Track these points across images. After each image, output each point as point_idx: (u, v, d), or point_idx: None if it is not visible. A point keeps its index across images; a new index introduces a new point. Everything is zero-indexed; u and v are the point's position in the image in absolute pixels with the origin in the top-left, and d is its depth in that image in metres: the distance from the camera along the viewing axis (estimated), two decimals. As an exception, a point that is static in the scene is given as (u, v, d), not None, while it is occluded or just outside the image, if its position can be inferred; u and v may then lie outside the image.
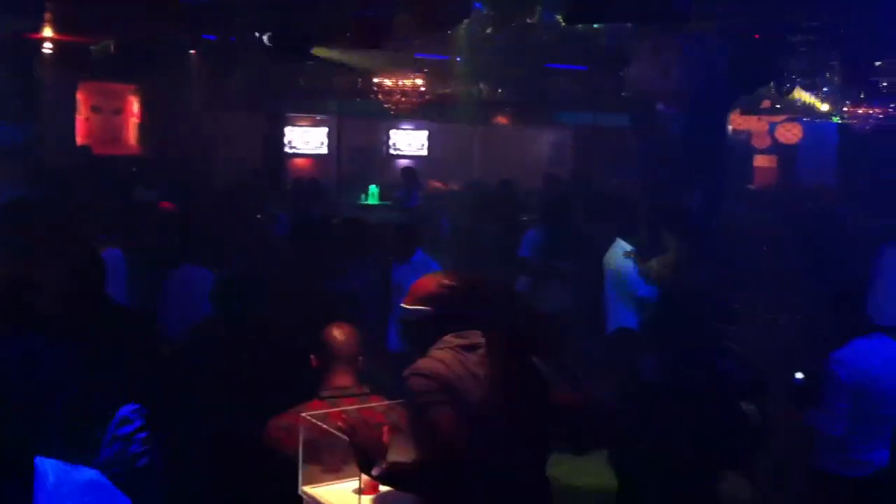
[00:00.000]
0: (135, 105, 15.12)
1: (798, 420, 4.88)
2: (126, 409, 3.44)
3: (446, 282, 3.38)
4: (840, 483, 4.54)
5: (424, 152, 19.47)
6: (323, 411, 3.62)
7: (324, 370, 3.92)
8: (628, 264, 7.55)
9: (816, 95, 15.98)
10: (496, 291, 3.44)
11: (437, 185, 16.44)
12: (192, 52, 12.24)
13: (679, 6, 4.85)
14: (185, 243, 6.51)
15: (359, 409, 3.70)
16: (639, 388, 4.39)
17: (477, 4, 8.19)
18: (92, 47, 11.79)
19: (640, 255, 7.56)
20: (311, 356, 3.97)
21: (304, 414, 3.53)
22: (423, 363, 3.16)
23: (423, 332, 3.30)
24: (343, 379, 3.88)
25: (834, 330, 4.73)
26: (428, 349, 3.23)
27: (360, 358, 3.98)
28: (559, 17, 7.64)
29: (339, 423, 3.36)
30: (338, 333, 3.94)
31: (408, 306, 3.37)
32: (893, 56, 12.12)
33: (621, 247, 7.63)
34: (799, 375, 5.10)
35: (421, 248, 7.14)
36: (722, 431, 4.25)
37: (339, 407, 3.65)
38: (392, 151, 19.36)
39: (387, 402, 3.80)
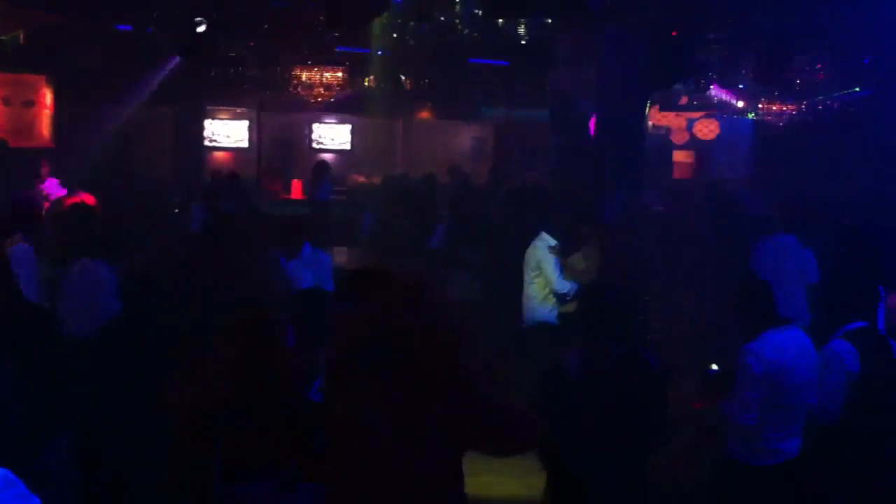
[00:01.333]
0: (48, 97, 14.65)
1: (712, 410, 4.96)
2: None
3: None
4: (751, 472, 4.62)
5: (348, 146, 19.35)
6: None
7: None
8: (550, 258, 7.59)
9: (732, 92, 16.36)
10: (403, 283, 3.38)
11: (360, 178, 16.34)
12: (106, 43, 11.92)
13: (593, 1, 4.88)
14: (92, 238, 6.30)
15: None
16: (562, 384, 4.39)
17: None
18: (2, 37, 11.39)
19: (563, 249, 7.62)
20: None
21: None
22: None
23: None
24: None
25: (746, 321, 4.80)
26: None
27: None
28: (478, 12, 7.65)
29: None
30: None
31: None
32: (806, 54, 12.48)
33: (545, 241, 7.67)
34: (714, 367, 5.18)
35: (309, 242, 7.04)
36: (645, 422, 4.30)
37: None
38: (315, 145, 19.18)
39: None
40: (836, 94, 14.74)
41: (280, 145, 18.32)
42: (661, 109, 18.15)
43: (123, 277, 4.93)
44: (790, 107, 16.79)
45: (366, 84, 14.07)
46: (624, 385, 4.29)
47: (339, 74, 13.36)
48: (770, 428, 4.59)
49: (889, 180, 12.30)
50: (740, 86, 15.75)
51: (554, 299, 7.55)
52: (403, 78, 13.70)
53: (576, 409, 4.23)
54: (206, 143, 17.15)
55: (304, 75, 13.47)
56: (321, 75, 13.37)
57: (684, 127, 19.59)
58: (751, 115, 18.27)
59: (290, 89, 13.98)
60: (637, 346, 4.66)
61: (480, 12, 7.45)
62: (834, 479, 4.65)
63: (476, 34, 9.92)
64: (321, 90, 13.49)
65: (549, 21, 9.06)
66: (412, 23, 9.11)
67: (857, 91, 14.14)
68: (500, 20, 8.93)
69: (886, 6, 9.09)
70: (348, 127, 19.15)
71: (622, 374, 4.33)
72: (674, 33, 9.46)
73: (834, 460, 4.70)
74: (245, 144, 18.28)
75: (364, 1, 6.90)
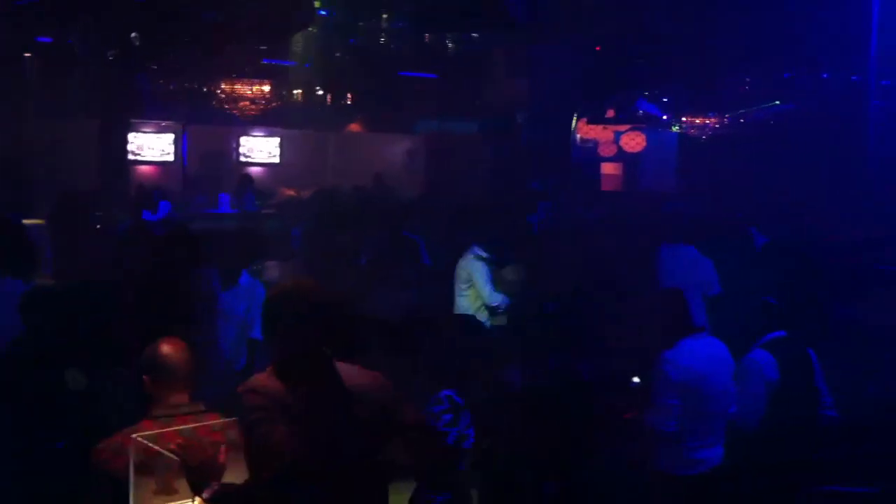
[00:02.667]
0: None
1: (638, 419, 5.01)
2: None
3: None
4: (675, 481, 4.68)
5: (276, 159, 19.15)
6: (154, 431, 3.46)
7: (155, 388, 3.73)
8: (482, 271, 7.59)
9: (658, 105, 16.68)
10: (327, 299, 3.35)
11: (289, 192, 16.18)
12: (26, 54, 11.62)
13: (516, 16, 4.93)
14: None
15: (194, 427, 3.56)
16: (502, 397, 4.40)
17: (322, 11, 8.11)
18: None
19: (495, 262, 7.63)
20: (144, 376, 3.77)
21: (134, 435, 3.37)
22: (255, 378, 3.06)
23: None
24: (176, 397, 3.70)
25: (663, 330, 4.88)
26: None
27: (193, 374, 3.80)
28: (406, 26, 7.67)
29: (172, 444, 3.23)
30: (168, 349, 3.76)
31: None
32: (728, 70, 12.78)
33: (476, 253, 7.67)
34: (636, 380, 5.25)
35: (247, 272, 6.62)
36: (579, 434, 4.33)
37: (172, 426, 3.49)
38: (242, 158, 18.94)
39: (224, 420, 3.66)
40: (757, 108, 15.11)
41: (207, 159, 18.04)
42: (589, 122, 18.42)
43: (24, 295, 4.73)
44: (713, 120, 17.18)
45: (294, 97, 13.98)
46: (561, 398, 4.32)
47: (266, 88, 13.24)
48: (691, 436, 4.67)
49: (809, 190, 12.66)
50: (665, 99, 16.06)
51: (486, 312, 7.56)
52: (331, 90, 13.64)
53: (515, 422, 4.24)
54: (131, 156, 16.80)
55: (231, 88, 13.32)
56: (248, 88, 13.24)
57: (612, 139, 19.90)
58: (675, 128, 18.65)
59: (217, 102, 13.81)
60: (574, 357, 4.69)
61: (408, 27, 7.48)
62: (755, 486, 4.73)
63: (404, 47, 9.94)
64: (248, 103, 13.35)
65: (477, 35, 9.13)
66: (340, 35, 9.07)
67: (777, 104, 14.54)
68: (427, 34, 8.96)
69: (805, 24, 9.36)
70: (277, 140, 18.97)
71: (560, 387, 4.36)
72: (599, 48, 9.61)
73: (755, 468, 4.78)
74: (171, 158, 17.95)
75: (289, 14, 6.84)
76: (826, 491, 4.49)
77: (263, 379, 3.09)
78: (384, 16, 8.35)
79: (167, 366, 3.73)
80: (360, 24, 8.55)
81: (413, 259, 8.15)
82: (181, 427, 3.52)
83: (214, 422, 3.66)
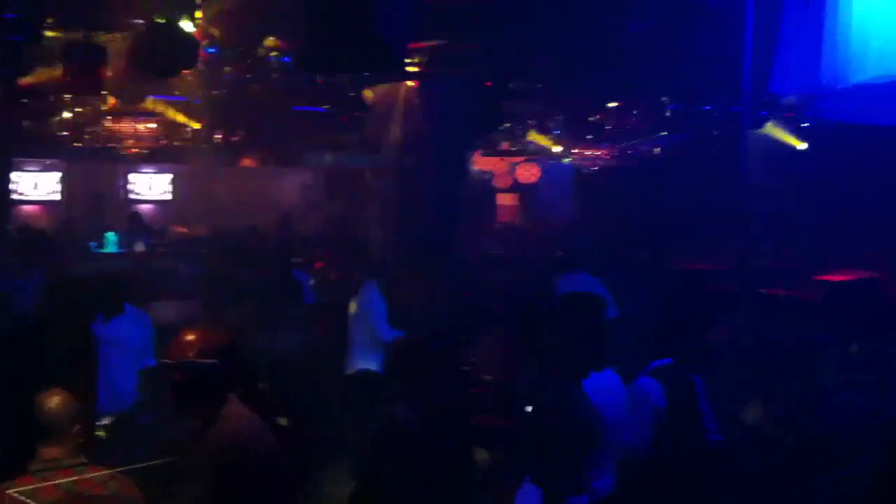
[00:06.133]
0: None
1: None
2: None
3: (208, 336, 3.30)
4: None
5: (169, 196, 18.76)
6: (32, 486, 3.33)
7: (34, 442, 3.59)
8: (375, 306, 7.60)
9: (549, 137, 17.03)
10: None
11: (182, 229, 15.86)
12: None
13: (395, 57, 4.98)
14: None
15: (74, 481, 3.43)
16: (394, 436, 4.33)
17: (211, 49, 8.04)
18: None
19: (389, 297, 7.65)
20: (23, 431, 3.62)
21: (9, 491, 3.24)
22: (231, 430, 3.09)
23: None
24: (54, 451, 3.56)
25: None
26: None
27: (76, 427, 3.67)
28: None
29: (51, 498, 3.13)
30: (48, 401, 3.63)
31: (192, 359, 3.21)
32: (617, 100, 13.15)
33: (370, 289, 7.68)
34: (529, 409, 5.27)
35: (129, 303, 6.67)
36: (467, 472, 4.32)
37: (51, 481, 3.37)
38: (132, 196, 18.49)
39: (107, 472, 3.55)
40: (644, 139, 15.58)
41: (95, 197, 17.53)
42: (484, 154, 18.67)
43: None
44: (603, 151, 17.63)
45: (185, 132, 13.75)
46: (454, 435, 4.30)
47: (153, 125, 12.97)
48: (594, 469, 4.68)
49: (696, 215, 13.10)
50: (556, 131, 16.41)
51: (379, 347, 7.55)
52: (223, 126, 13.46)
53: (407, 461, 4.19)
54: (14, 196, 16.21)
55: (117, 126, 13.00)
56: (135, 125, 12.94)
57: (507, 171, 20.20)
58: (567, 160, 19.07)
59: (101, 141, 13.43)
60: (466, 393, 4.69)
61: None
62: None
63: (296, 82, 9.91)
64: (133, 140, 13.04)
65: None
66: (227, 70, 8.99)
67: (663, 135, 15.01)
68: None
69: (683, 60, 9.70)
70: (168, 176, 18.60)
71: (453, 425, 4.34)
72: (489, 84, 9.77)
73: (645, 495, 4.85)
74: (57, 197, 17.40)
75: (173, 52, 6.75)
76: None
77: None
78: (273, 53, 8.33)
79: (43, 417, 3.60)
80: (249, 60, 8.50)
81: (297, 298, 8.10)
82: (60, 481, 3.41)
83: (97, 474, 3.55)
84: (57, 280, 7.11)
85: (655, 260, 9.01)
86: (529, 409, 5.11)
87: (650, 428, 4.84)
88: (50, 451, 3.56)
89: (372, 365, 7.48)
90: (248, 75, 9.37)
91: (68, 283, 6.92)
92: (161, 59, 6.75)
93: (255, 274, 8.46)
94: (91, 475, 3.51)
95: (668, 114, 13.25)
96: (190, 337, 3.26)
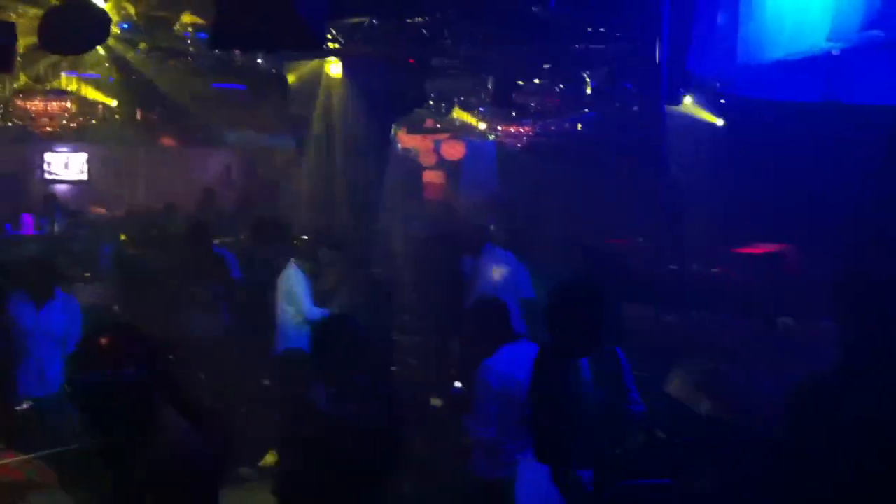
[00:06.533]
0: None
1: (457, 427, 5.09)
2: None
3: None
4: (492, 485, 4.77)
5: (85, 176, 18.28)
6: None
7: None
8: (301, 285, 7.57)
9: (474, 115, 17.06)
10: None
11: (99, 210, 15.49)
12: None
13: (314, 35, 4.93)
14: None
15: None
16: (309, 417, 4.32)
17: (124, 24, 7.84)
18: None
19: (314, 275, 7.63)
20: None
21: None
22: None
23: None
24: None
25: (483, 339, 4.97)
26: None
27: None
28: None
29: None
30: None
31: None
32: (540, 78, 13.22)
33: (295, 268, 7.65)
34: (458, 385, 5.32)
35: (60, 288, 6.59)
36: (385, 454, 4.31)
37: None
38: (48, 176, 17.98)
39: (21, 458, 3.49)
40: (565, 116, 15.71)
41: (8, 178, 16.99)
42: (408, 132, 18.62)
43: None
44: (526, 129, 17.73)
45: (99, 111, 13.37)
46: (367, 418, 4.29)
47: (67, 104, 12.57)
48: (509, 441, 4.76)
49: (616, 193, 13.31)
50: (481, 109, 16.44)
51: (304, 325, 7.52)
52: (140, 104, 13.12)
53: (320, 443, 4.18)
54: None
55: (28, 104, 12.57)
56: (47, 103, 12.52)
57: (432, 148, 20.19)
58: (491, 137, 19.14)
59: (14, 120, 12.98)
60: (380, 376, 4.71)
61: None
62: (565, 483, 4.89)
63: (213, 59, 9.72)
64: (46, 119, 12.63)
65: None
66: (142, 47, 8.77)
67: (585, 113, 15.15)
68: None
69: (605, 38, 9.79)
70: (84, 156, 18.11)
71: (366, 407, 4.34)
72: (411, 61, 9.73)
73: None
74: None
75: (82, 27, 6.56)
76: (629, 485, 4.69)
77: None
78: (189, 29, 8.14)
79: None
80: (164, 35, 8.29)
81: (222, 275, 8.00)
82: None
83: (13, 460, 3.50)
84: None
85: (571, 238, 9.12)
86: (458, 384, 5.17)
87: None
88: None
89: (300, 343, 7.46)
90: (163, 52, 9.15)
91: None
92: (70, 36, 6.55)
93: (173, 253, 8.33)
94: (7, 461, 3.45)
95: (589, 91, 13.36)
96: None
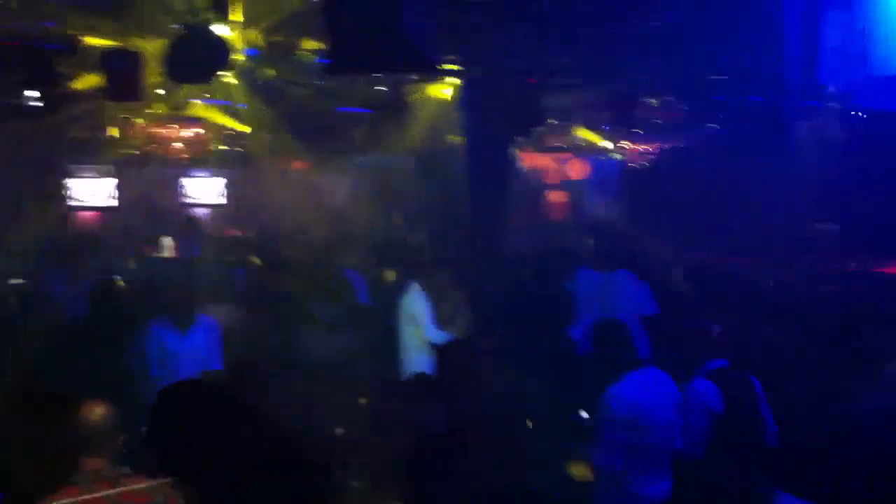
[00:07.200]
0: None
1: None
2: None
3: None
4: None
5: (223, 200, 18.89)
6: (75, 499, 3.35)
7: (77, 452, 3.61)
8: (422, 307, 7.56)
9: (598, 133, 16.85)
10: None
11: (235, 233, 15.97)
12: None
13: (424, 56, 4.94)
14: None
15: (118, 492, 3.45)
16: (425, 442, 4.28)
17: (251, 51, 8.05)
18: None
19: (436, 298, 7.60)
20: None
21: (56, 502, 3.26)
22: None
23: None
24: (96, 462, 3.58)
25: (606, 364, 4.83)
26: None
27: (120, 438, 3.69)
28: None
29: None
30: (91, 413, 3.65)
31: None
32: (667, 95, 12.95)
33: (416, 290, 7.65)
34: (584, 414, 5.18)
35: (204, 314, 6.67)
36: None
37: (94, 493, 3.39)
38: (186, 200, 18.68)
39: (150, 483, 3.55)
40: (691, 131, 15.30)
41: (147, 203, 17.74)
42: (532, 151, 18.54)
43: None
44: (653, 146, 17.37)
45: (231, 136, 13.83)
46: (487, 443, 4.21)
47: (200, 130, 13.06)
48: (635, 472, 4.59)
49: (746, 214, 12.83)
50: (605, 127, 16.22)
51: (426, 349, 7.50)
52: (270, 128, 13.50)
53: (436, 466, 4.12)
54: (69, 202, 16.51)
55: (164, 131, 13.13)
56: (181, 131, 13.05)
57: (555, 167, 20.03)
58: (617, 157, 18.84)
59: (150, 146, 13.58)
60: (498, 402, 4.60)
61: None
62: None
63: (336, 84, 9.90)
64: (180, 145, 13.15)
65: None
66: (269, 73, 9.01)
67: (713, 127, 14.71)
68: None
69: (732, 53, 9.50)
70: (223, 181, 18.74)
71: (487, 432, 4.26)
72: (532, 80, 9.66)
73: (700, 500, 4.73)
74: (114, 203, 17.64)
75: (203, 56, 6.77)
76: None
77: None
78: (311, 55, 8.32)
79: (86, 427, 3.62)
80: (287, 61, 8.50)
81: (348, 298, 8.07)
82: (103, 493, 3.42)
83: (140, 486, 3.55)
84: (109, 286, 7.14)
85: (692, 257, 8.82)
86: (582, 413, 5.03)
87: (705, 432, 4.71)
88: (92, 462, 3.58)
89: (423, 368, 7.45)
90: (288, 78, 9.38)
91: (119, 290, 6.97)
92: (191, 65, 6.77)
93: (300, 275, 8.46)
94: (135, 487, 3.52)
95: (714, 106, 13.00)
96: None
